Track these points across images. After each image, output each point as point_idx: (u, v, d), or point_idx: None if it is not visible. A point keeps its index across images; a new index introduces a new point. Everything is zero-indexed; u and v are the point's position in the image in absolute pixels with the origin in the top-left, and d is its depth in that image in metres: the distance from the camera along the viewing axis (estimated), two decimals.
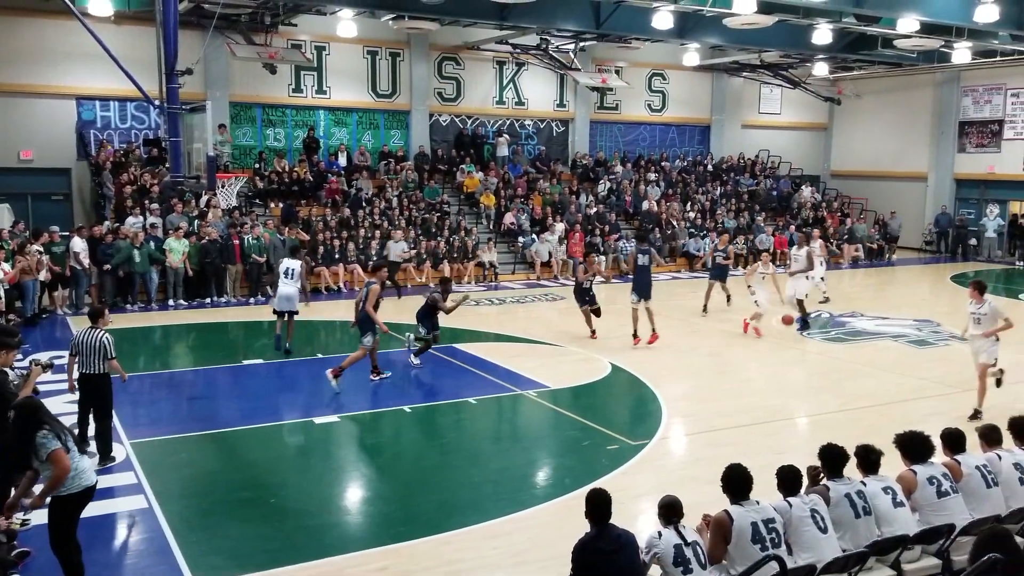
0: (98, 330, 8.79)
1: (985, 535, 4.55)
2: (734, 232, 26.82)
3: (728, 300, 18.32)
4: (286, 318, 14.02)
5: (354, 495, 8.59)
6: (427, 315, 13.37)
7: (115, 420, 9.50)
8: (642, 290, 14.59)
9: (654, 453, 9.43)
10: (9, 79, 21.68)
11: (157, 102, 19.62)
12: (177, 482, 8.58)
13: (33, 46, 21.79)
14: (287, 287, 13.92)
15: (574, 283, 16.02)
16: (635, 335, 14.61)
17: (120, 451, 9.15)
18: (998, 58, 26.93)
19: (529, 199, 25.79)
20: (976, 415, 10.33)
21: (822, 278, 19.02)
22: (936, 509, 5.98)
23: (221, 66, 23.57)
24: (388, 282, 14.89)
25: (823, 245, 19.85)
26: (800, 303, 16.10)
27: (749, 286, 15.87)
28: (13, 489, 7.54)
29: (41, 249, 16.99)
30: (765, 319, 15.64)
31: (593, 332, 15.30)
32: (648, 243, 17.98)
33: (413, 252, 21.74)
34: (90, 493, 6.21)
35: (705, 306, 17.94)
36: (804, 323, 16.13)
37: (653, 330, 14.57)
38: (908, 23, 21.37)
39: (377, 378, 12.31)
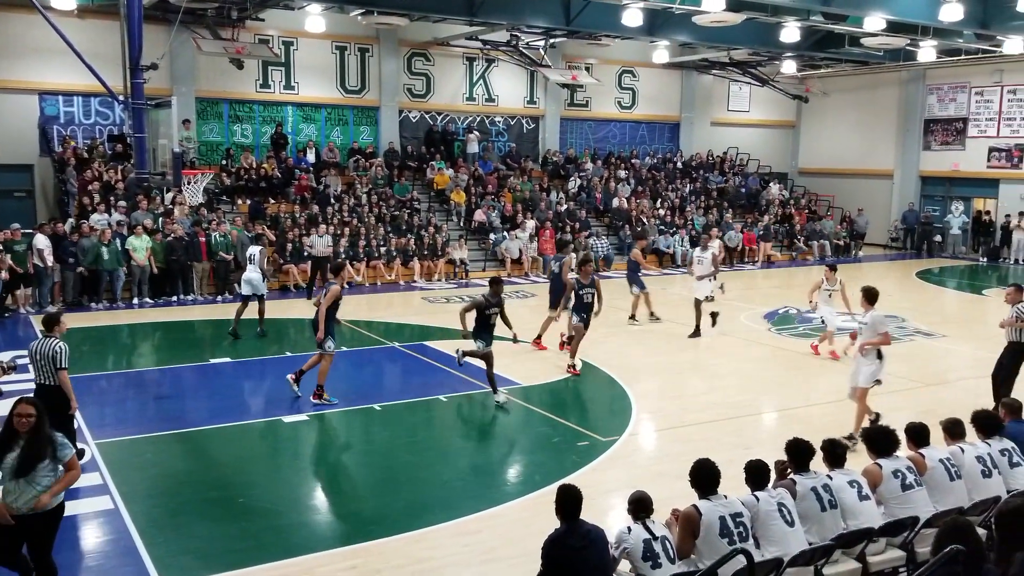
0: (52, 338, 8.22)
1: (947, 527, 4.61)
2: (703, 228, 27.03)
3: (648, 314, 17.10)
4: (253, 302, 14.69)
5: (323, 494, 8.53)
6: (482, 326, 11.04)
7: (79, 420, 9.34)
8: (550, 297, 14.72)
9: (624, 449, 9.46)
10: None
11: (122, 97, 19.36)
12: (144, 482, 8.46)
13: None
14: (250, 272, 14.77)
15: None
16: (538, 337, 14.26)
17: (86, 452, 9.00)
18: (962, 57, 27.38)
19: (499, 196, 25.77)
20: (851, 438, 9.14)
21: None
22: (901, 502, 6.06)
23: (187, 61, 23.29)
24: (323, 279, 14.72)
25: (721, 246, 19.21)
26: (698, 304, 15.42)
27: (811, 301, 14.43)
28: None
29: (1, 247, 16.68)
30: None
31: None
32: (568, 251, 17.51)
33: (337, 247, 21.07)
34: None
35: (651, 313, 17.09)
36: (695, 331, 15.40)
37: (539, 336, 14.25)
38: (875, 22, 21.63)
39: (317, 400, 10.97)
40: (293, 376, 11.23)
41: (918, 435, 6.60)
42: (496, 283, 11.29)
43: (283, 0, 21.60)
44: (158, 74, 19.62)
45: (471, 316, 10.89)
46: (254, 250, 15.04)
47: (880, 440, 6.37)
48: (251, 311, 15.00)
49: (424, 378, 12.67)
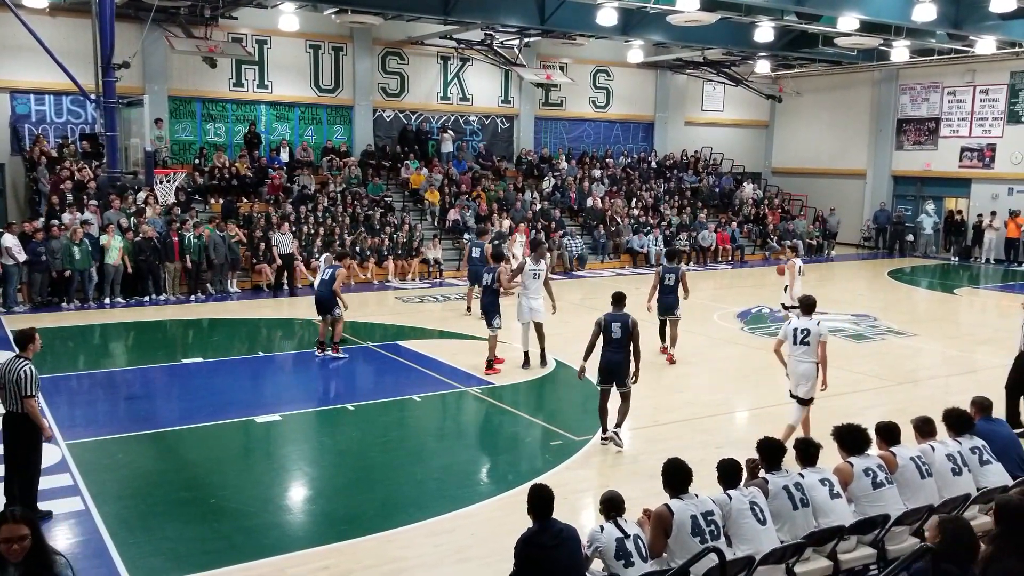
0: (21, 360, 7.35)
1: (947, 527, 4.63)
2: (678, 228, 27.18)
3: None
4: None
5: (296, 494, 8.47)
6: (492, 304, 12.74)
7: (51, 421, 9.22)
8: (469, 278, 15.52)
9: (597, 448, 9.48)
10: None
11: (93, 96, 19.12)
12: (114, 483, 8.37)
13: None
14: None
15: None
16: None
17: (56, 453, 8.85)
18: (935, 57, 27.70)
19: (474, 196, 25.73)
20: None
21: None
22: (872, 500, 6.10)
23: (159, 59, 23.05)
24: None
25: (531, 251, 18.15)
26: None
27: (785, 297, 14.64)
28: None
29: None
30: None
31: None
32: (486, 238, 18.00)
33: (313, 245, 21.11)
34: None
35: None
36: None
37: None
38: (848, 21, 21.82)
39: (320, 354, 13.26)
40: (319, 350, 13.34)
41: (889, 433, 6.65)
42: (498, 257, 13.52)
43: None
44: (130, 72, 19.39)
45: None
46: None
47: (851, 438, 6.40)
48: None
49: (397, 378, 12.62)
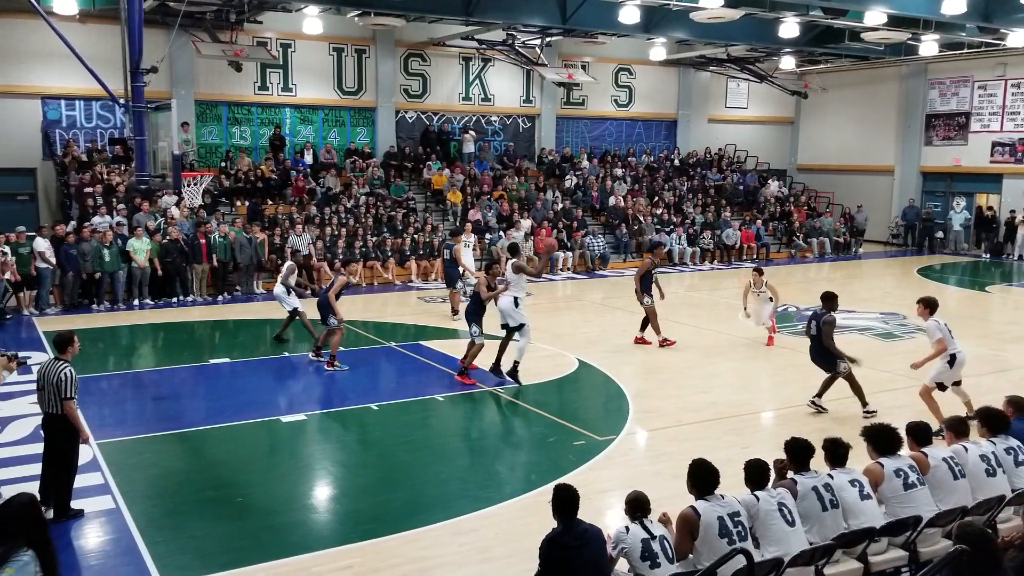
0: (61, 362, 7.47)
1: (963, 534, 4.55)
2: (701, 227, 27.01)
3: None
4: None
5: (321, 493, 8.51)
6: (475, 312, 11.98)
7: (82, 420, 9.33)
8: (445, 279, 15.64)
9: (620, 448, 9.43)
10: None
11: (122, 101, 19.35)
12: (144, 482, 8.46)
13: None
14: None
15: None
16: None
17: (87, 452, 8.92)
18: (965, 50, 27.30)
19: (496, 196, 25.73)
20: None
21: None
22: (903, 501, 6.01)
23: (186, 64, 23.31)
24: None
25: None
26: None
27: (744, 307, 14.87)
28: None
29: (7, 250, 16.72)
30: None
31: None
32: (458, 239, 17.71)
33: (335, 247, 21.25)
34: None
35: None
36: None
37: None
38: (875, 16, 21.58)
39: (316, 358, 13.01)
40: (312, 353, 13.14)
41: (920, 433, 6.55)
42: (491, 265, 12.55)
43: (281, 2, 21.60)
44: (158, 77, 19.62)
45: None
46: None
47: (883, 438, 6.32)
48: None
49: (420, 377, 12.65)
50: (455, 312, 16.65)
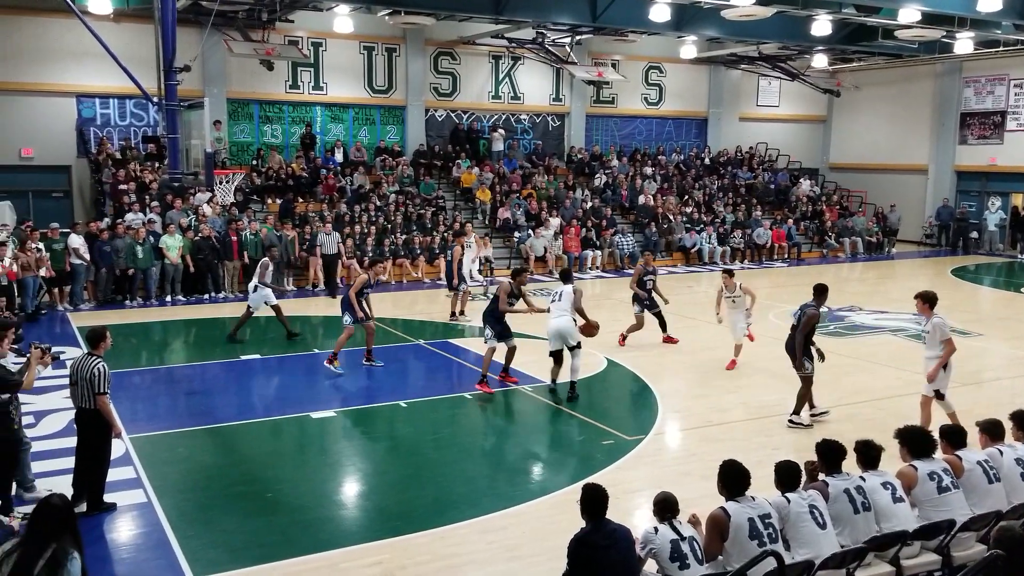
0: (94, 357, 7.55)
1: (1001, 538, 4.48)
2: (732, 225, 26.81)
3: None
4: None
5: (350, 489, 8.56)
6: (492, 314, 11.58)
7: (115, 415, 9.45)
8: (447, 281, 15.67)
9: (649, 448, 9.40)
10: (10, 77, 21.73)
11: (156, 99, 19.57)
12: (175, 476, 8.56)
13: (34, 45, 21.84)
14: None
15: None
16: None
17: (120, 446, 9.02)
18: (1000, 48, 26.85)
19: (525, 194, 25.73)
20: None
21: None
22: (936, 505, 5.94)
23: (218, 63, 23.55)
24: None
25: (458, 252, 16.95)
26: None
27: (717, 313, 13.41)
28: (15, 485, 7.58)
29: (42, 247, 17.00)
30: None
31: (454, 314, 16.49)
32: (461, 240, 17.38)
33: (365, 245, 21.33)
34: None
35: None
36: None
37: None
38: (909, 13, 21.31)
39: (329, 365, 12.45)
40: (327, 360, 12.48)
41: (954, 436, 6.47)
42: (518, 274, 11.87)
43: (312, 1, 21.75)
44: (190, 76, 19.81)
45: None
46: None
47: (917, 441, 6.24)
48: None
49: (449, 375, 12.68)
50: (453, 315, 16.59)
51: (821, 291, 10.20)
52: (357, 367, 12.80)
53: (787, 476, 5.70)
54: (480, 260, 20.60)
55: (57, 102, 22.37)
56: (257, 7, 21.56)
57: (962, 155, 30.34)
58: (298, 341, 14.71)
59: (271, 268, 14.88)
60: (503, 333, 11.54)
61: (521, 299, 11.62)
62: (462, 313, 16.67)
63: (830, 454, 5.93)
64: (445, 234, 22.58)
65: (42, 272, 16.79)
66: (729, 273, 13.04)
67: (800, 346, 9.98)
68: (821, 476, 5.95)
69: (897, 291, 21.19)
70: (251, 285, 14.70)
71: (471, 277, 17.90)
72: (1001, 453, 6.41)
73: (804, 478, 5.88)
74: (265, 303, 14.56)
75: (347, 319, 12.57)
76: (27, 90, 21.92)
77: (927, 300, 9.40)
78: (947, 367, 9.23)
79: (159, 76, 19.37)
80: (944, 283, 22.97)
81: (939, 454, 6.31)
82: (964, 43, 25.39)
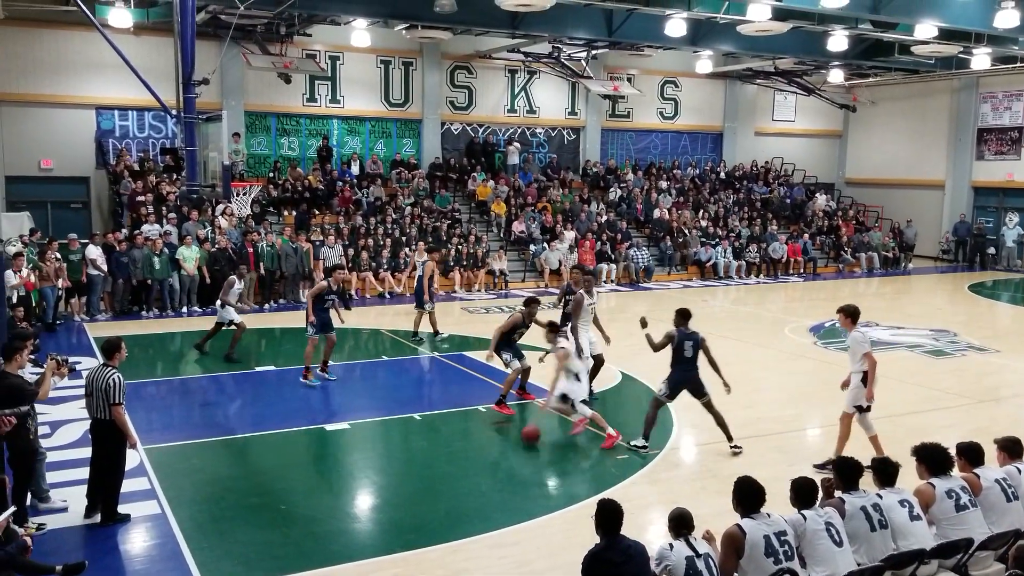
0: (109, 368, 7.59)
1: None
2: (747, 241, 26.73)
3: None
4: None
5: (363, 502, 8.56)
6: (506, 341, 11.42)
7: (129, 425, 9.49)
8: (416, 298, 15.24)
9: (664, 464, 9.35)
10: (31, 89, 21.96)
11: (174, 111, 19.69)
12: (189, 488, 8.58)
13: (54, 57, 22.07)
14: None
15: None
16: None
17: (134, 457, 9.06)
18: (1018, 64, 26.69)
19: (540, 207, 25.76)
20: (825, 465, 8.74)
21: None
22: (954, 523, 5.89)
23: (237, 76, 23.74)
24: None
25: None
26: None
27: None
28: (29, 495, 7.63)
29: (59, 256, 17.15)
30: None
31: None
32: (434, 256, 16.79)
33: (380, 256, 21.28)
34: None
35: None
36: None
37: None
38: (926, 29, 21.22)
39: (304, 380, 12.53)
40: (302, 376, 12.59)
41: (972, 454, 6.41)
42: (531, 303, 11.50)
43: (330, 15, 21.90)
44: (209, 88, 19.82)
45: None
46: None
47: (935, 458, 6.18)
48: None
49: (463, 388, 12.67)
50: (415, 334, 16.05)
51: (684, 315, 9.94)
52: (375, 376, 12.81)
53: (804, 493, 5.66)
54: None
55: (77, 114, 22.61)
56: (275, 21, 21.73)
57: (979, 171, 30.15)
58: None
59: (237, 287, 14.63)
60: (517, 354, 11.46)
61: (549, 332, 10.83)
62: (415, 334, 16.09)
63: (848, 471, 5.90)
64: (460, 246, 22.62)
65: (60, 283, 16.93)
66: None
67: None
68: (837, 493, 5.91)
69: (914, 307, 21.07)
70: (217, 303, 14.66)
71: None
72: (1020, 471, 6.35)
73: (820, 495, 5.84)
74: (230, 320, 14.32)
75: (309, 330, 12.72)
76: (47, 102, 22.17)
77: (849, 314, 9.22)
78: (867, 381, 8.93)
79: (178, 89, 19.44)
80: (961, 299, 22.82)
81: (957, 472, 6.25)
82: (981, 59, 25.29)
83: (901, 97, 32.17)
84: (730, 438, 9.63)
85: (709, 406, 9.68)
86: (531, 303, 11.49)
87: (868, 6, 20.13)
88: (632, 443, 9.69)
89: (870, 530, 5.64)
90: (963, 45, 23.16)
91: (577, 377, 10.16)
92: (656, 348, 9.83)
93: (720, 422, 9.64)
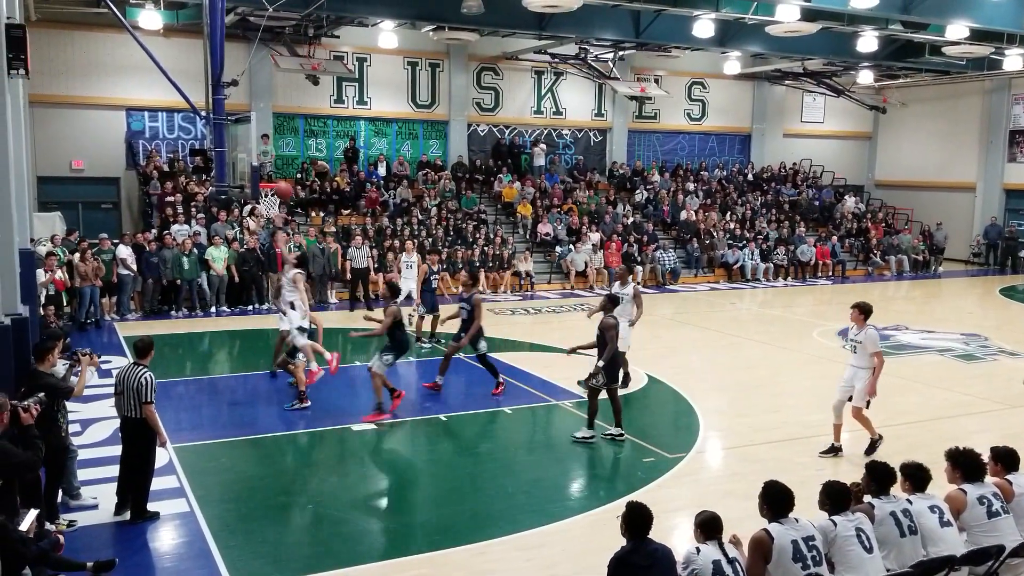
0: (141, 367, 7.66)
1: None
2: (775, 243, 26.53)
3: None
4: None
5: (389, 503, 8.61)
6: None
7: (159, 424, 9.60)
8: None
9: (690, 467, 9.31)
10: (63, 91, 22.28)
11: (203, 113, 19.94)
12: (217, 487, 8.66)
13: (85, 59, 22.41)
14: None
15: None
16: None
17: (163, 455, 9.15)
18: None
19: (566, 209, 25.73)
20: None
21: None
22: (986, 530, 5.82)
23: (265, 77, 23.95)
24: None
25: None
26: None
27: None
28: (60, 492, 7.74)
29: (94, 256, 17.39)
30: None
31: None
32: (433, 260, 16.03)
33: (389, 258, 21.02)
34: None
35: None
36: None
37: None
38: (957, 30, 20.98)
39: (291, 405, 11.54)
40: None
41: (1006, 459, 6.32)
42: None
43: (358, 17, 22.04)
44: (237, 90, 20.14)
45: None
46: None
47: (968, 463, 6.11)
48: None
49: (489, 390, 12.66)
50: (419, 339, 15.44)
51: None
52: (402, 377, 12.83)
53: (836, 497, 5.59)
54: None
55: (107, 115, 22.92)
56: (304, 23, 21.91)
57: (1011, 173, 29.73)
58: (342, 353, 14.66)
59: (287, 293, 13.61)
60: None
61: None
62: (419, 339, 15.48)
63: (879, 476, 5.83)
64: (485, 248, 22.65)
65: (98, 282, 17.14)
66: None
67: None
68: (867, 498, 5.85)
69: (944, 310, 20.81)
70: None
71: (409, 297, 15.94)
72: None
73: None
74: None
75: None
76: (79, 103, 22.50)
77: (863, 311, 9.39)
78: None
79: (207, 90, 19.69)
80: (992, 303, 22.50)
81: (989, 477, 6.17)
82: (1013, 60, 24.92)
83: (932, 98, 31.80)
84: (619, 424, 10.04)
85: (595, 393, 9.99)
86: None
87: (898, 6, 19.94)
88: (607, 432, 10.08)
89: (899, 536, 5.58)
90: (995, 46, 22.86)
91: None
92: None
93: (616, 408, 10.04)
